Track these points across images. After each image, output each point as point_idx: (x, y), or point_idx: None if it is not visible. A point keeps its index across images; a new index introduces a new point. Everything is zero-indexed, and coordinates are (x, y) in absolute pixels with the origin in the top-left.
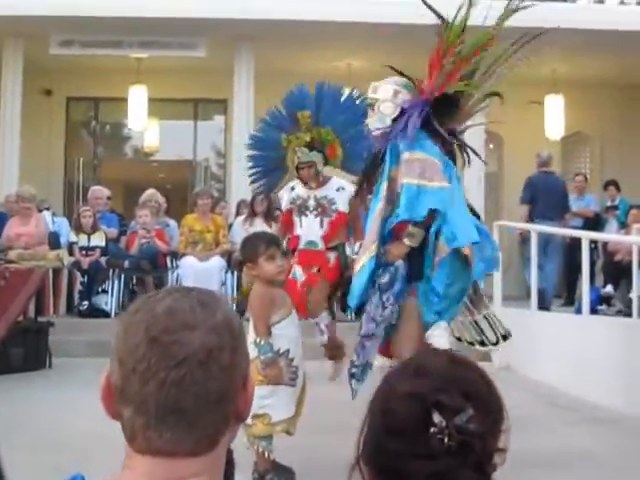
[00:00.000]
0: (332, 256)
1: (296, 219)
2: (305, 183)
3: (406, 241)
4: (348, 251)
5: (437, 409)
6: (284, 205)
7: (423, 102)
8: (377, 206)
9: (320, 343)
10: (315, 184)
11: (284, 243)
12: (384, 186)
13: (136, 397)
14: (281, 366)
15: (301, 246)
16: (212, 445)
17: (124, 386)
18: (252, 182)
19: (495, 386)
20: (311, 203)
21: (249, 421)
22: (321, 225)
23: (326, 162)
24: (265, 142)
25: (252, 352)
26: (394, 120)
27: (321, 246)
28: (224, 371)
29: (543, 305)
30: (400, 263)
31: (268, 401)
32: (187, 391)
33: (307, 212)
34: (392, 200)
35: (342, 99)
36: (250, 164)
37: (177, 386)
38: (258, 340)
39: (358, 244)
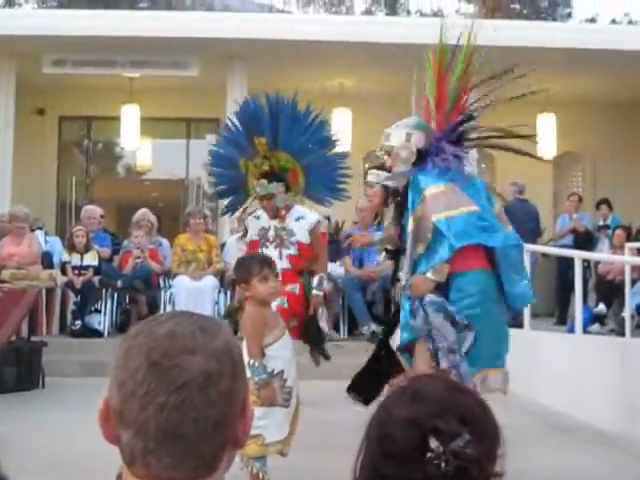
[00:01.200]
0: (297, 287)
1: (259, 250)
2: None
3: (431, 275)
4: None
5: (434, 435)
6: (249, 235)
7: (440, 137)
8: (408, 242)
9: None
10: (275, 215)
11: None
12: (410, 222)
13: (135, 421)
14: (275, 387)
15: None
16: (210, 471)
17: (123, 409)
18: (219, 199)
19: (491, 411)
20: (271, 234)
21: None
22: (280, 257)
23: (288, 189)
24: (225, 160)
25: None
26: (414, 164)
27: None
28: (223, 397)
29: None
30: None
31: (262, 422)
32: (186, 416)
33: (267, 243)
34: (419, 238)
35: (300, 118)
36: (214, 180)
37: (176, 411)
38: (252, 362)
39: (317, 277)
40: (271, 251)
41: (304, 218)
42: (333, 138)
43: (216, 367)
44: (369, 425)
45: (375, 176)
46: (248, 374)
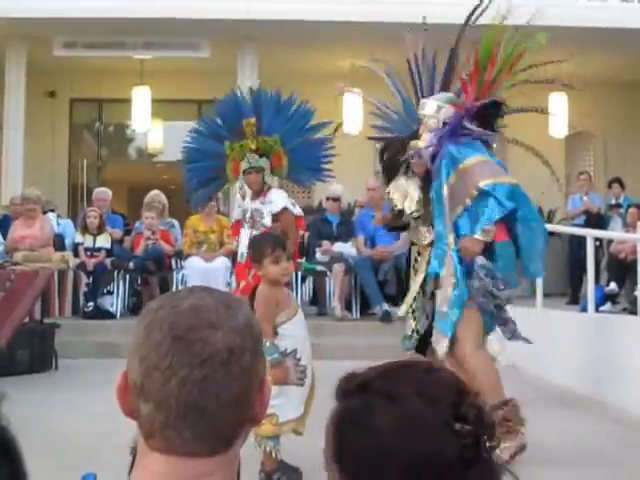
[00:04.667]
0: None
1: (242, 229)
2: (251, 193)
3: (479, 236)
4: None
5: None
6: (234, 215)
7: (463, 115)
8: (444, 209)
9: None
10: (259, 192)
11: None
12: (445, 190)
13: (157, 394)
14: (288, 366)
15: (238, 258)
16: (227, 446)
17: (145, 383)
18: (189, 194)
19: (469, 389)
20: (247, 215)
21: None
22: (251, 237)
23: (271, 171)
24: (201, 152)
25: None
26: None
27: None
28: (245, 372)
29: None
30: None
31: (276, 401)
32: (208, 391)
33: (244, 223)
34: (456, 202)
35: (284, 107)
36: (187, 177)
37: (199, 385)
38: (264, 342)
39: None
40: (245, 231)
41: (272, 202)
42: (317, 124)
43: (239, 343)
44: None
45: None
46: None
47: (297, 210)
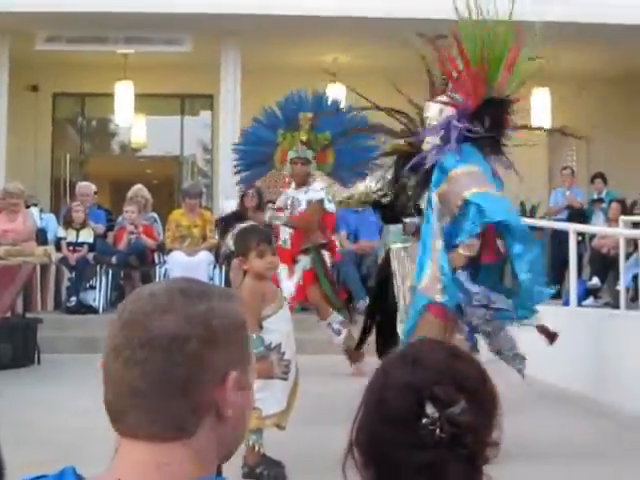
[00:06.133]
0: (305, 260)
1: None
2: (295, 182)
3: (461, 251)
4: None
5: (431, 400)
6: (278, 202)
7: (452, 117)
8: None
9: (336, 344)
10: (302, 182)
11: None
12: (434, 198)
13: (110, 375)
14: (272, 360)
15: (280, 244)
16: (182, 433)
17: (105, 367)
18: (236, 173)
19: (491, 380)
20: (288, 203)
21: None
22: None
23: (317, 166)
24: (255, 137)
25: None
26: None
27: (289, 245)
28: (190, 360)
29: None
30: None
31: (260, 395)
32: (148, 373)
33: (285, 211)
34: (444, 212)
35: (341, 112)
36: (237, 157)
37: (140, 367)
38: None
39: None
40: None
41: (311, 192)
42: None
43: (186, 330)
44: (367, 388)
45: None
46: None
47: (330, 206)
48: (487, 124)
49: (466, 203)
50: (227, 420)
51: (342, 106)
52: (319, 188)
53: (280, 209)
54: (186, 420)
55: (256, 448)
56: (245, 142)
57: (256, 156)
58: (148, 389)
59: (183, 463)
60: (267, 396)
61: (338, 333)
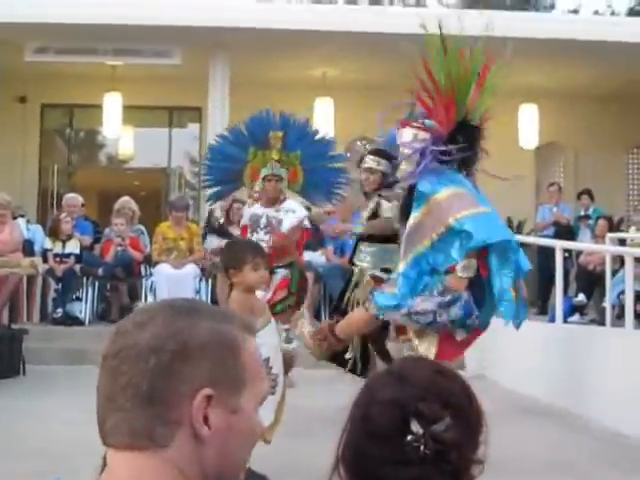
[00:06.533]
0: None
1: (249, 235)
2: (266, 199)
3: (461, 274)
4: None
5: (416, 417)
6: (243, 220)
7: (433, 140)
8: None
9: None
10: (275, 199)
11: None
12: (411, 221)
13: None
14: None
15: None
16: (151, 443)
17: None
18: (204, 187)
19: (476, 397)
20: (263, 221)
21: None
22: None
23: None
24: (223, 154)
25: None
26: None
27: None
28: (157, 372)
29: None
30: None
31: None
32: (118, 381)
33: (258, 229)
34: (423, 235)
35: (309, 132)
36: (205, 172)
37: (112, 374)
38: None
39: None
40: (260, 236)
41: (294, 212)
42: (338, 155)
43: (157, 343)
44: (354, 405)
45: (375, 162)
46: None
47: (307, 223)
48: (461, 144)
49: (450, 229)
50: (205, 440)
51: (310, 127)
52: (297, 206)
53: (245, 227)
54: (154, 430)
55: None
56: (212, 158)
57: (225, 173)
58: (119, 397)
59: (158, 475)
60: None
61: (288, 342)
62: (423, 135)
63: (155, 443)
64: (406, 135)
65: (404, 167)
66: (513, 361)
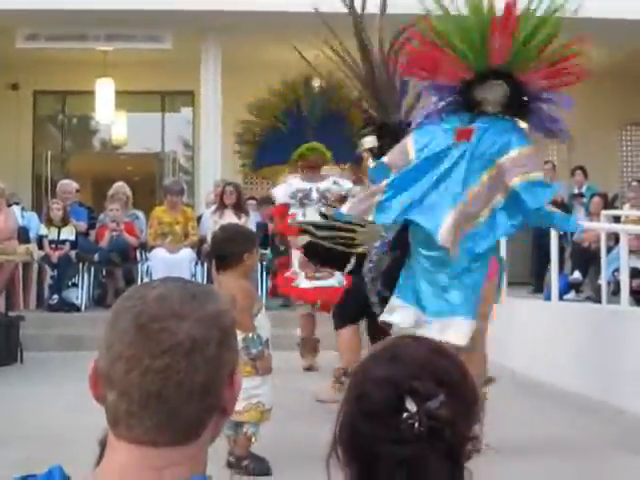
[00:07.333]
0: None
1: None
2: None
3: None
4: None
5: (410, 395)
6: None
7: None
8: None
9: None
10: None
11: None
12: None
13: (121, 382)
14: (270, 356)
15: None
16: (193, 436)
17: (110, 371)
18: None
19: (470, 374)
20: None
21: (239, 409)
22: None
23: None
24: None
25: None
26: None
27: None
28: (209, 363)
29: None
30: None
31: (260, 390)
32: (170, 380)
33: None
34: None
35: None
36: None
37: (161, 374)
38: (250, 335)
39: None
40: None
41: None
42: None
43: (203, 334)
44: (349, 385)
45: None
46: (240, 345)
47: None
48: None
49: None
50: (227, 416)
51: None
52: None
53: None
54: (201, 423)
55: (252, 440)
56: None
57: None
58: (168, 396)
59: (182, 465)
60: (266, 390)
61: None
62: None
63: (194, 436)
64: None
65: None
66: (508, 338)
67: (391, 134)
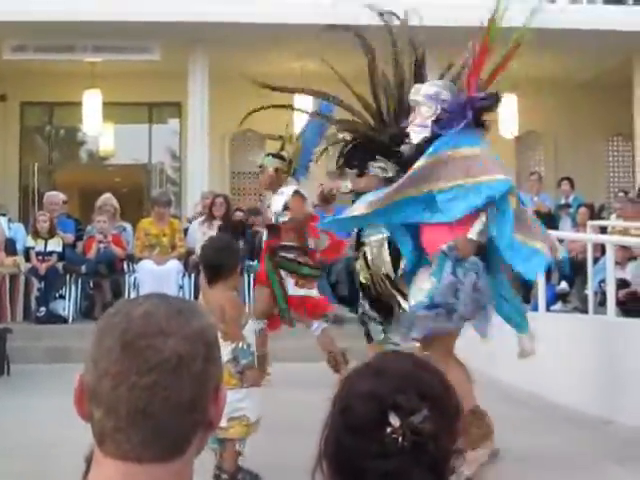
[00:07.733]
0: None
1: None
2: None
3: (473, 237)
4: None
5: (394, 409)
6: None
7: (465, 103)
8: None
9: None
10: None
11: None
12: (422, 163)
13: (107, 399)
14: (255, 367)
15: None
16: (178, 452)
17: (96, 387)
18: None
19: (454, 390)
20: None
21: (224, 424)
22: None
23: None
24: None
25: (226, 357)
26: (435, 121)
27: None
28: (195, 379)
29: None
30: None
31: (244, 404)
32: (157, 396)
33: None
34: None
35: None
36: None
37: (148, 391)
38: (241, 345)
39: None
40: None
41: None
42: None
43: (189, 350)
44: (334, 399)
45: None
46: (226, 357)
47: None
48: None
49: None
50: (214, 428)
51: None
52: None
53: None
54: (187, 439)
55: (241, 455)
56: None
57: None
58: (155, 413)
59: (180, 477)
60: (250, 404)
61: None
62: (445, 95)
63: (180, 451)
64: (424, 91)
65: (417, 122)
66: (496, 350)
67: (374, 151)
